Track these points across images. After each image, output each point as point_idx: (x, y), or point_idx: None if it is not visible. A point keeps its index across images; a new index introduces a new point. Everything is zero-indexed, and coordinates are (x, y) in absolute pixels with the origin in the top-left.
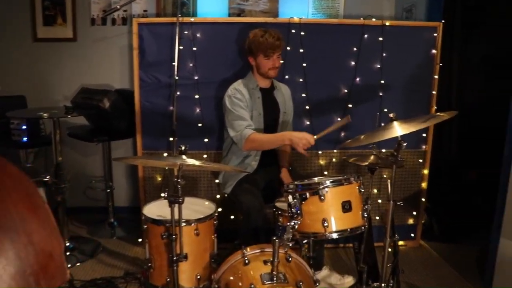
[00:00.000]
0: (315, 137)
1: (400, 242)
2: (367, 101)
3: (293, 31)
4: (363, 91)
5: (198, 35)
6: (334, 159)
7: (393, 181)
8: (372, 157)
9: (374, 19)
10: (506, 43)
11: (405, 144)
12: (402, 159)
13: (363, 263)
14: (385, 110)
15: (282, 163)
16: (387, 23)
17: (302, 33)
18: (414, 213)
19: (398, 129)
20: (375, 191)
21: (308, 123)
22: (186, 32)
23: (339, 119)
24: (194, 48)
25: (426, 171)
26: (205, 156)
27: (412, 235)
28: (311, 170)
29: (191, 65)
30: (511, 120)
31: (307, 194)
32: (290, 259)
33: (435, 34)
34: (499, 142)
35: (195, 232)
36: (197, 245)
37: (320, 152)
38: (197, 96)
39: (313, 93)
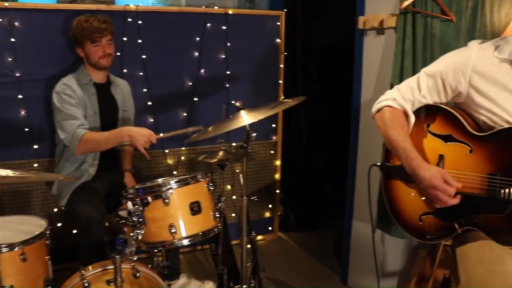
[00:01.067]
0: (161, 135)
1: (259, 237)
2: (213, 93)
3: (130, 19)
4: (209, 83)
5: (17, 23)
6: (182, 158)
7: (244, 175)
8: (221, 153)
9: (216, 7)
10: (345, 34)
11: (254, 135)
12: (253, 151)
13: (222, 265)
14: (233, 102)
15: (125, 166)
16: (230, 12)
17: (140, 22)
18: (270, 206)
19: (246, 118)
20: (229, 187)
21: (152, 120)
22: (0, 20)
23: (185, 114)
24: (13, 39)
25: (278, 162)
26: (36, 165)
27: (270, 228)
28: (159, 171)
29: (10, 59)
30: (354, 108)
31: (149, 198)
32: (138, 274)
33: (278, 23)
34: (344, 130)
35: (21, 257)
36: (26, 273)
37: (167, 151)
38: (20, 96)
39: (155, 87)
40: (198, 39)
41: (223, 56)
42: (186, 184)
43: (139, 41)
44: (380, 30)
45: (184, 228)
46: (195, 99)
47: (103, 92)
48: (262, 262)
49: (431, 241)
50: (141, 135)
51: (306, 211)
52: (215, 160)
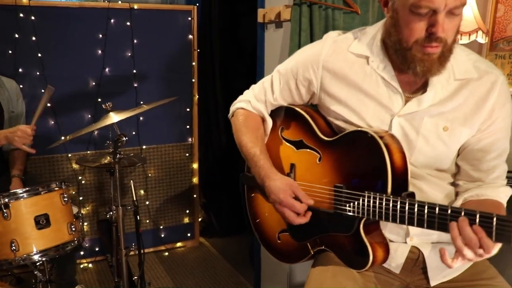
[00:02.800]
0: (32, 125)
1: (178, 244)
2: (121, 93)
3: (22, 15)
4: (115, 83)
5: None
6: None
7: (118, 182)
8: (108, 157)
9: (120, 2)
10: None
11: (125, 139)
12: (124, 156)
13: (117, 277)
14: (141, 102)
15: (13, 172)
16: (136, 6)
17: (33, 18)
18: (188, 211)
19: (115, 117)
20: (142, 192)
21: (52, 122)
22: None
23: (89, 116)
24: None
25: (195, 166)
26: None
27: (189, 234)
28: (64, 176)
29: None
30: None
31: None
32: None
33: (190, 18)
34: None
35: None
36: None
37: (70, 155)
38: None
39: (56, 88)
40: (101, 36)
41: (130, 54)
42: (35, 194)
43: (33, 38)
44: (278, 23)
45: (28, 244)
46: (99, 99)
47: None
48: (177, 270)
49: (292, 262)
50: (15, 133)
51: (229, 216)
52: (97, 164)
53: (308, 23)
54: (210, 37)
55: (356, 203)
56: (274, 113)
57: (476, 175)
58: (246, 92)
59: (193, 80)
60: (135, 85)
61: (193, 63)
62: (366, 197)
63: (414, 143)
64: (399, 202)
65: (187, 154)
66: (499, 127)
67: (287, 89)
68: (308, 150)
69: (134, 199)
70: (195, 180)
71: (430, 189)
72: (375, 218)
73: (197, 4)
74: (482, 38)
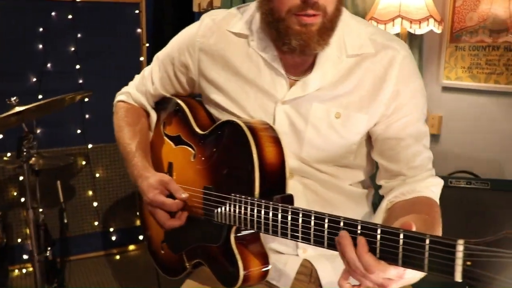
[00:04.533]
0: None
1: (131, 247)
2: (64, 90)
3: None
4: (57, 79)
5: None
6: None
7: (27, 184)
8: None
9: None
10: None
11: (32, 136)
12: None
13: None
14: (86, 100)
15: None
16: None
17: None
18: (138, 213)
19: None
20: (90, 193)
21: None
22: None
23: None
24: None
25: None
26: None
27: (142, 237)
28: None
29: None
30: None
31: None
32: None
33: (137, 11)
34: None
35: None
36: None
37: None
38: None
39: None
40: (41, 29)
41: (73, 49)
42: None
43: None
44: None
45: None
46: (40, 96)
47: None
48: (127, 275)
49: (172, 276)
50: None
51: None
52: (15, 166)
53: None
54: (162, 31)
55: (223, 208)
56: (158, 106)
57: (394, 167)
58: (130, 83)
59: None
60: (80, 81)
61: (141, 58)
62: (233, 200)
63: (303, 134)
64: (271, 208)
65: None
66: (408, 108)
67: (167, 77)
68: (184, 146)
69: (61, 200)
70: None
71: (328, 192)
72: (247, 227)
73: None
74: (435, 27)
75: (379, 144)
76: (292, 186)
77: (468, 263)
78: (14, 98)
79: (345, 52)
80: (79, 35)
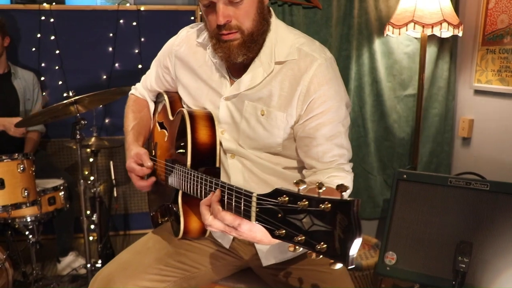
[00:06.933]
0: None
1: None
2: (127, 85)
3: (43, 18)
4: (123, 76)
5: None
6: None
7: (79, 161)
8: (93, 139)
9: (129, 4)
10: None
11: (84, 123)
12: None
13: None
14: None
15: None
16: (142, 8)
17: (52, 20)
18: None
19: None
20: None
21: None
22: None
23: (101, 105)
24: None
25: None
26: None
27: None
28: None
29: None
30: None
31: None
32: None
33: (192, 18)
34: None
35: None
36: None
37: None
38: None
39: (72, 80)
40: (111, 35)
41: (137, 51)
42: None
43: (52, 37)
44: None
45: None
46: None
47: (2, 83)
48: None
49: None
50: (2, 124)
51: None
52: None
53: None
54: None
55: (172, 176)
56: (157, 99)
57: (308, 162)
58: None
59: None
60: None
61: None
62: (176, 169)
63: (238, 125)
64: (197, 176)
65: None
66: (320, 111)
67: (158, 76)
68: (163, 130)
69: (113, 177)
70: None
71: (263, 173)
72: (187, 191)
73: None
74: (450, 31)
75: (298, 140)
76: (233, 164)
77: (257, 209)
78: (72, 91)
79: (274, 59)
80: (142, 39)
